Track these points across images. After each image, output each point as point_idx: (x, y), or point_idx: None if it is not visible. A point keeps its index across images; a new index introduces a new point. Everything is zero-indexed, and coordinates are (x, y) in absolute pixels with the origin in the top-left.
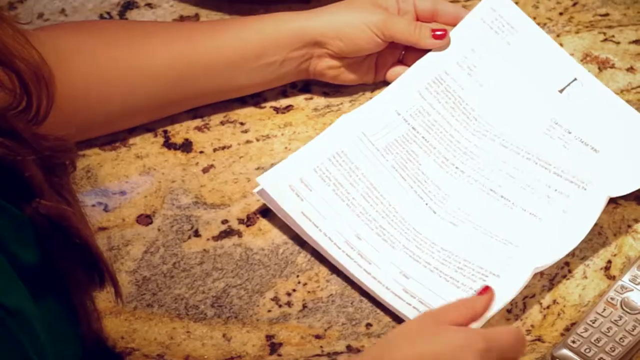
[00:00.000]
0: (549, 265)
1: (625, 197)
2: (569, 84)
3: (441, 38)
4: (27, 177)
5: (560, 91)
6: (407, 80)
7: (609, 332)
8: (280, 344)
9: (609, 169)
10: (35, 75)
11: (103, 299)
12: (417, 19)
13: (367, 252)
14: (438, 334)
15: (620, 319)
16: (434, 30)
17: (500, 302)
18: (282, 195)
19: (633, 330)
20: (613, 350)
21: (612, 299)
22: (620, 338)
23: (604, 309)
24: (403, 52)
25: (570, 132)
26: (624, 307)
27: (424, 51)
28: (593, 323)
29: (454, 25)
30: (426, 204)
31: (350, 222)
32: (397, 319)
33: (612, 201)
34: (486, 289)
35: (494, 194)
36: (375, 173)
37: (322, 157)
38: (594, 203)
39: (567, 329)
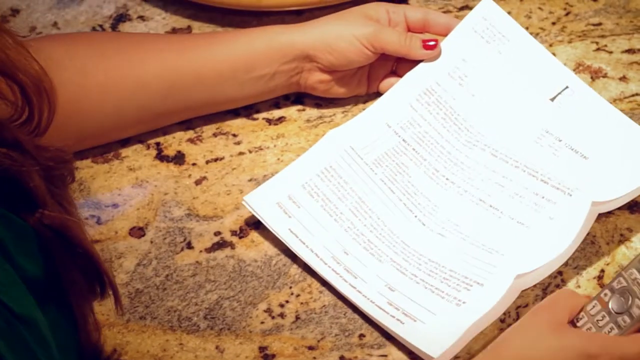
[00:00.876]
0: (531, 272)
1: (620, 207)
2: (560, 92)
3: (432, 48)
4: (31, 187)
5: (552, 99)
6: (397, 92)
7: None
8: (274, 356)
9: (596, 175)
10: (36, 87)
11: (97, 311)
12: (409, 30)
13: (354, 266)
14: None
15: (602, 319)
16: (425, 41)
17: (482, 310)
18: (269, 214)
19: (610, 332)
20: None
21: (605, 295)
22: None
23: (594, 306)
24: (395, 64)
25: (560, 140)
26: (612, 308)
27: (417, 62)
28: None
29: (446, 35)
30: (415, 217)
31: (338, 237)
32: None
33: (608, 211)
34: None
35: (483, 204)
36: (363, 187)
37: (310, 174)
38: (579, 209)
39: None
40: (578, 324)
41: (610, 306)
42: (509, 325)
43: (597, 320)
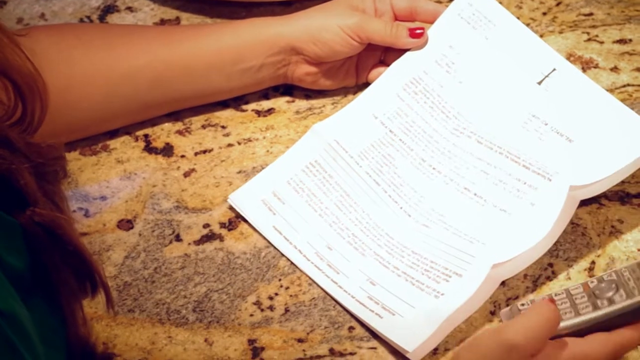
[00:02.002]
0: (509, 261)
1: (609, 198)
2: (547, 75)
3: (419, 37)
4: (21, 185)
5: (539, 83)
6: (384, 83)
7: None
8: (263, 348)
9: (577, 159)
10: (30, 86)
11: (85, 304)
12: (396, 19)
13: (337, 262)
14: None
15: (581, 298)
16: (411, 29)
17: (460, 299)
18: (254, 211)
19: (583, 309)
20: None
21: (591, 282)
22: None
23: (576, 288)
24: (384, 53)
25: (546, 124)
26: (595, 292)
27: (404, 50)
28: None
29: (433, 22)
30: (401, 208)
31: (322, 232)
32: None
33: (595, 201)
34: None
35: (468, 192)
36: (348, 181)
37: (295, 169)
38: (558, 194)
39: None
40: (555, 297)
41: (592, 290)
42: (499, 317)
43: (575, 297)
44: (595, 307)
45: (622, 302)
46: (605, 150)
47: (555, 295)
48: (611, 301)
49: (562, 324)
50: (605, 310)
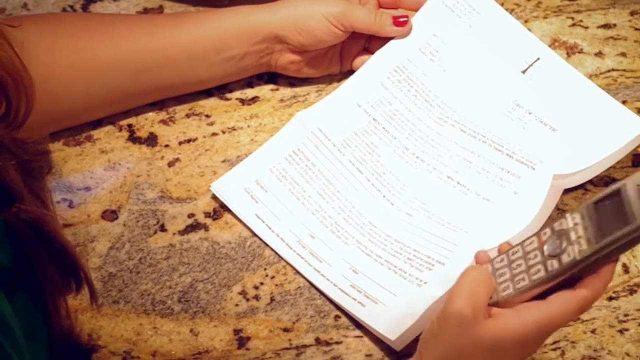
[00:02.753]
0: (492, 250)
1: (595, 183)
2: (531, 64)
3: (403, 25)
4: (7, 182)
5: (523, 72)
6: (368, 71)
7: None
8: (248, 338)
9: (561, 148)
10: (16, 83)
11: (70, 296)
12: (380, 7)
13: (319, 250)
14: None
15: (534, 258)
16: (395, 18)
17: (443, 288)
18: (236, 200)
19: (535, 274)
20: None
21: (544, 233)
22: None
23: (531, 242)
24: (368, 41)
25: (530, 113)
26: (546, 248)
27: (388, 38)
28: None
29: (417, 10)
30: (384, 196)
31: (305, 220)
32: None
33: (581, 187)
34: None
35: (451, 181)
36: (331, 169)
37: (278, 157)
38: (541, 182)
39: None
40: (512, 257)
41: (545, 247)
42: None
43: (529, 258)
44: (546, 269)
45: (570, 259)
46: (589, 139)
47: (512, 253)
48: (560, 261)
49: (515, 289)
50: (556, 270)
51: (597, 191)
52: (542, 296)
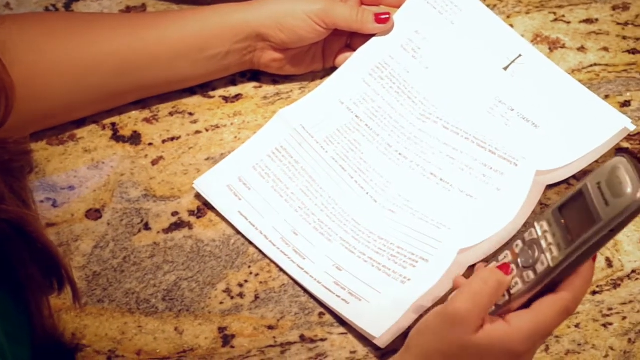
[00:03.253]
0: (475, 246)
1: (578, 178)
2: (513, 61)
3: (385, 22)
4: None
5: (505, 68)
6: (350, 68)
7: None
8: (233, 336)
9: (543, 144)
10: None
11: (54, 295)
12: (362, 4)
13: (303, 247)
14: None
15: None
16: (377, 15)
17: (426, 285)
18: (219, 197)
19: (513, 287)
20: None
21: (516, 245)
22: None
23: (505, 257)
24: (350, 37)
25: (513, 109)
26: (520, 260)
27: (371, 35)
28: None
29: (399, 7)
30: (367, 193)
31: (288, 217)
32: None
33: (564, 182)
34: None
35: (434, 178)
36: (314, 166)
37: (261, 154)
38: (524, 179)
39: None
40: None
41: (519, 259)
42: None
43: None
44: (524, 281)
45: (545, 267)
46: (571, 135)
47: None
48: (535, 271)
49: (496, 305)
50: (532, 281)
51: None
52: (528, 304)
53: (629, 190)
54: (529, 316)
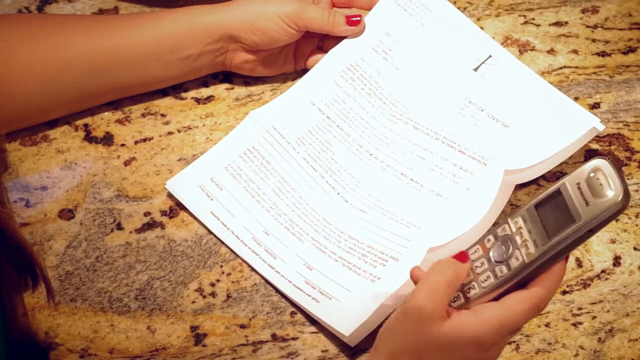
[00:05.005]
0: (444, 245)
1: (547, 179)
2: (483, 62)
3: (356, 24)
4: None
5: (475, 69)
6: (321, 70)
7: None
8: (205, 335)
9: (512, 144)
10: None
11: (27, 294)
12: (333, 6)
13: (274, 247)
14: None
15: (481, 265)
16: (348, 17)
17: (396, 283)
18: (191, 197)
19: (484, 281)
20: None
21: (488, 240)
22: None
23: (475, 251)
24: (321, 39)
25: (482, 110)
26: (492, 255)
27: (343, 37)
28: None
29: (370, 9)
30: (338, 194)
31: (260, 218)
32: None
33: (534, 182)
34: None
35: (404, 178)
36: (286, 167)
37: (233, 155)
38: (493, 178)
39: None
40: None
41: (490, 254)
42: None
43: (476, 267)
44: (496, 276)
45: (519, 262)
46: (541, 135)
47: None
48: (509, 266)
49: (465, 298)
50: (505, 275)
51: (549, 186)
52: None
53: (610, 191)
54: (496, 308)
